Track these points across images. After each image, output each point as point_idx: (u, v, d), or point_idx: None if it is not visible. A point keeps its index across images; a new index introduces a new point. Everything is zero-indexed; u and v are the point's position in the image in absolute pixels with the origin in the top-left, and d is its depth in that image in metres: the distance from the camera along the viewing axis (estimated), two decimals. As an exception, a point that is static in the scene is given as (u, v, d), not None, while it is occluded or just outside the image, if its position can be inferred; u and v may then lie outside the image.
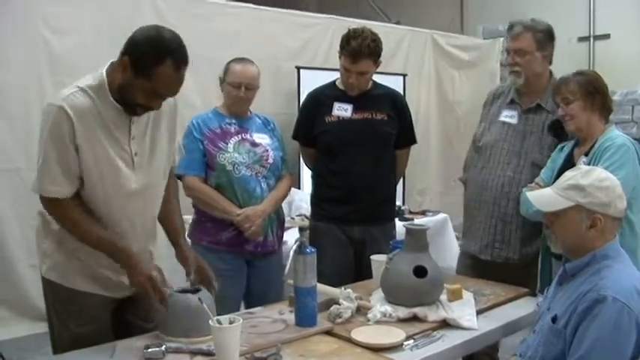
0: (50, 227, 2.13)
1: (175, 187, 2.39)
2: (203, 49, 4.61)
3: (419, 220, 4.66)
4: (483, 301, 2.43)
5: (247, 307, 2.86)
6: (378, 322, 2.16)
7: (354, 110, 3.10)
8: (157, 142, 2.18)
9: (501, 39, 6.83)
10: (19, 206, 4.06)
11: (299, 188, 5.16)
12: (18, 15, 4.10)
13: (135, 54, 1.94)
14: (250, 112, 3.06)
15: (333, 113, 3.11)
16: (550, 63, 2.96)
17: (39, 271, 2.20)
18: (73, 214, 2.03)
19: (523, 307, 2.43)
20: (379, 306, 2.22)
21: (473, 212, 3.04)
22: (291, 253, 2.14)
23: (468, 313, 2.25)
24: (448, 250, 5.27)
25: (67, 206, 2.02)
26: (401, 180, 4.02)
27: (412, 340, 2.04)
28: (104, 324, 2.19)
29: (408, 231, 2.37)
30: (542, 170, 2.74)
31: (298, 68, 5.45)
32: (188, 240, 2.52)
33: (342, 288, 2.35)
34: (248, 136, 2.96)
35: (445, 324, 2.18)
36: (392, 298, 2.31)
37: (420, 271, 2.27)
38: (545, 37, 2.89)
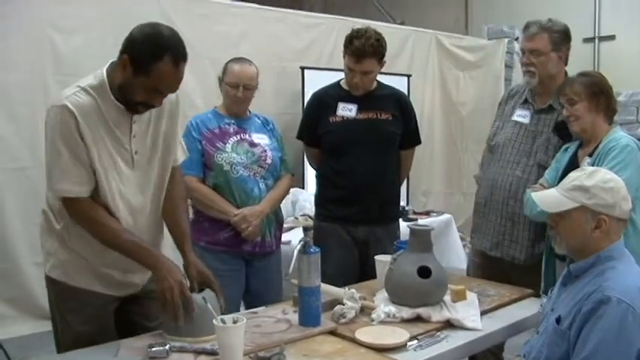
0: (54, 225, 2.13)
1: (181, 186, 2.35)
2: (207, 49, 4.62)
3: (423, 221, 4.68)
4: (487, 302, 2.43)
5: (247, 307, 2.86)
6: (381, 322, 2.16)
7: (359, 110, 3.10)
8: (158, 139, 2.18)
9: (506, 40, 6.84)
10: (24, 204, 4.07)
11: (303, 188, 5.16)
12: (23, 15, 4.10)
13: (133, 52, 1.95)
14: (249, 112, 3.06)
15: (337, 113, 3.11)
16: (566, 64, 2.94)
17: (43, 269, 2.20)
18: (97, 214, 2.02)
19: (527, 308, 2.42)
20: (383, 306, 2.22)
21: (484, 210, 3.04)
22: (296, 252, 2.14)
23: (472, 313, 2.25)
24: (452, 251, 5.28)
25: (91, 206, 2.02)
26: (405, 180, 4.02)
27: (416, 341, 2.04)
28: (107, 322, 2.19)
29: (412, 231, 2.37)
30: (547, 171, 2.74)
31: (303, 68, 5.46)
32: None
33: (346, 288, 2.36)
34: (247, 136, 2.96)
35: (449, 324, 2.18)
36: (396, 299, 2.31)
37: (424, 272, 2.27)
38: (562, 38, 2.87)
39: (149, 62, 1.93)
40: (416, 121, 3.32)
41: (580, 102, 2.56)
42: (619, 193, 1.86)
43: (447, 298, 2.34)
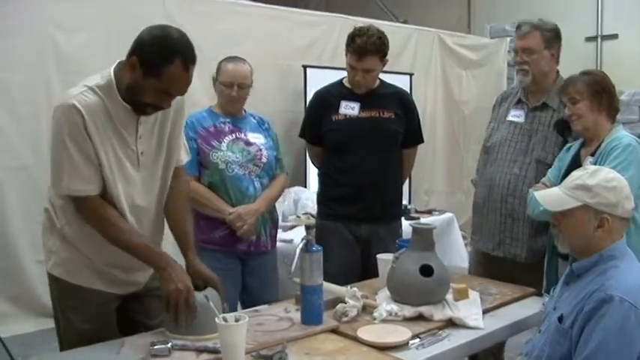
0: (56, 223, 2.13)
1: (185, 186, 2.35)
2: (210, 48, 4.62)
3: (425, 219, 4.68)
4: (489, 301, 2.43)
5: (243, 306, 2.87)
6: (384, 320, 2.16)
7: (361, 109, 3.10)
8: (163, 140, 2.18)
9: (508, 38, 6.81)
10: (26, 203, 4.08)
11: (305, 187, 5.16)
12: (25, 14, 4.10)
13: (143, 54, 1.95)
14: (245, 112, 3.05)
15: (340, 112, 3.11)
16: (557, 62, 2.98)
17: (45, 267, 2.20)
18: (107, 213, 2.02)
19: (529, 307, 2.42)
20: (385, 305, 2.22)
21: (483, 210, 3.06)
22: (298, 251, 2.14)
23: (474, 312, 2.25)
24: (454, 249, 5.28)
25: (102, 204, 2.02)
26: (407, 179, 4.02)
27: (418, 339, 2.04)
28: (109, 320, 2.20)
29: (415, 230, 2.37)
30: (550, 170, 2.74)
31: (305, 67, 5.45)
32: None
33: (348, 286, 2.36)
34: (242, 135, 2.95)
35: (451, 323, 2.18)
36: (398, 297, 2.31)
37: (426, 270, 2.27)
38: (553, 36, 2.92)
39: (159, 65, 1.93)
40: (418, 119, 3.32)
41: (582, 101, 2.56)
42: (622, 192, 1.86)
43: (449, 296, 2.34)
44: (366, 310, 2.25)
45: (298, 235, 3.91)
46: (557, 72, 3.00)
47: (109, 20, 4.33)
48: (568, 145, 2.75)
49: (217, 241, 2.88)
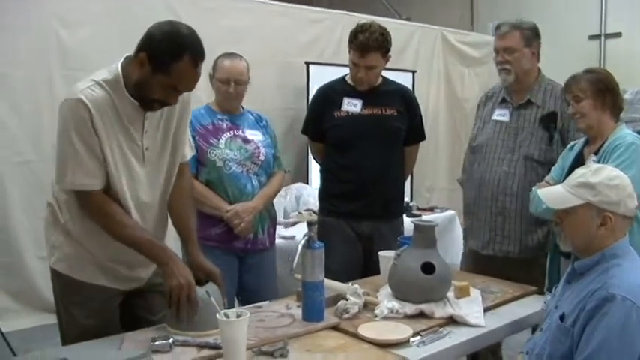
0: (59, 218, 2.13)
1: (189, 182, 2.35)
2: (213, 43, 4.61)
3: (427, 217, 4.68)
4: (491, 299, 2.43)
5: (241, 303, 2.86)
6: (385, 317, 2.16)
7: (364, 105, 3.10)
8: (168, 136, 2.18)
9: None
10: (28, 198, 4.09)
11: (307, 183, 5.16)
12: (28, 9, 4.10)
13: (152, 50, 1.94)
14: (242, 109, 3.05)
15: (342, 108, 3.11)
16: (538, 60, 3.03)
17: (47, 262, 2.20)
18: (111, 209, 2.02)
19: (530, 305, 2.42)
20: (386, 302, 2.22)
21: (473, 210, 3.11)
22: (299, 247, 2.14)
23: (475, 310, 2.25)
24: (456, 247, 5.24)
25: (105, 200, 2.02)
26: (409, 176, 4.02)
27: (419, 337, 2.04)
28: (112, 316, 2.20)
29: (416, 227, 2.37)
30: (553, 168, 2.75)
31: (308, 63, 5.45)
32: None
33: (350, 283, 2.36)
34: (240, 132, 2.95)
35: (452, 321, 2.18)
36: (399, 294, 2.31)
37: (427, 268, 2.27)
38: (532, 35, 2.98)
39: (169, 61, 1.93)
40: (421, 117, 3.32)
41: (585, 99, 2.56)
42: (624, 190, 1.86)
43: (451, 294, 2.34)
44: (368, 307, 2.25)
45: (300, 231, 3.92)
46: (539, 69, 3.05)
47: (113, 15, 4.33)
48: (571, 143, 2.76)
49: (214, 238, 2.88)
